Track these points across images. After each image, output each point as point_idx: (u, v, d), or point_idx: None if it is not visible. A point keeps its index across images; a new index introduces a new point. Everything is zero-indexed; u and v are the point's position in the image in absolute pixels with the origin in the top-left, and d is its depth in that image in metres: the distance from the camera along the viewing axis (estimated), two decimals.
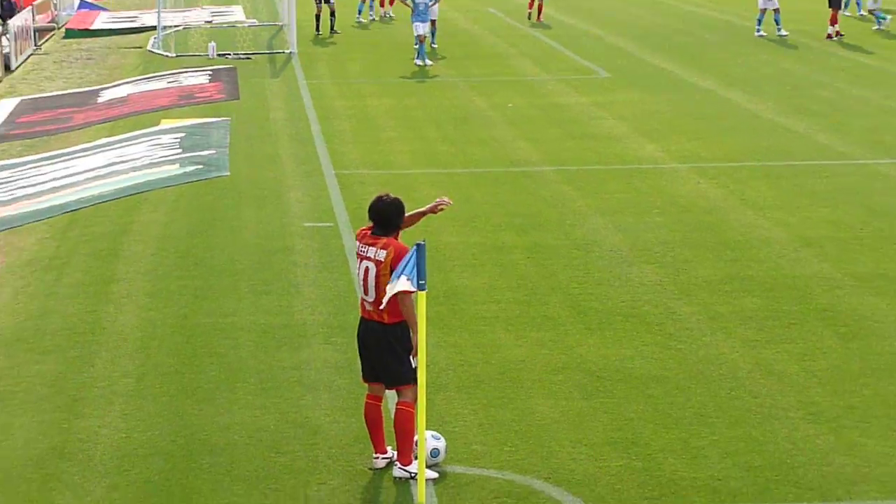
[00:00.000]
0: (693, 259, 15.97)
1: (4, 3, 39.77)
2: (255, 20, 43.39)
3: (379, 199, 10.27)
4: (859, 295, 14.59)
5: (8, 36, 34.63)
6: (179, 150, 22.85)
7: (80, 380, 12.32)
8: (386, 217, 10.16)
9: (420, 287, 9.47)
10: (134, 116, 26.80)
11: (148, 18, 42.12)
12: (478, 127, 24.92)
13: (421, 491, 9.53)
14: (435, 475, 10.02)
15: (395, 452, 10.28)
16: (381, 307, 9.85)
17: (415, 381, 9.96)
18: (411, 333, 9.99)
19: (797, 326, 13.56)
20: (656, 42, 37.33)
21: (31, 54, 37.68)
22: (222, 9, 46.75)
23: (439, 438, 10.25)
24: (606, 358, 12.70)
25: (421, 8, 32.56)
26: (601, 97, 28.10)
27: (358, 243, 10.25)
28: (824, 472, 10.18)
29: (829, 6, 37.88)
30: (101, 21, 44.66)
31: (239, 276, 15.51)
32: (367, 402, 10.31)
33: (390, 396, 10.46)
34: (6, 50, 34.18)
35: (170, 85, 31.00)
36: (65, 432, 11.10)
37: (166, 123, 25.58)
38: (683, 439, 10.82)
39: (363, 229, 10.29)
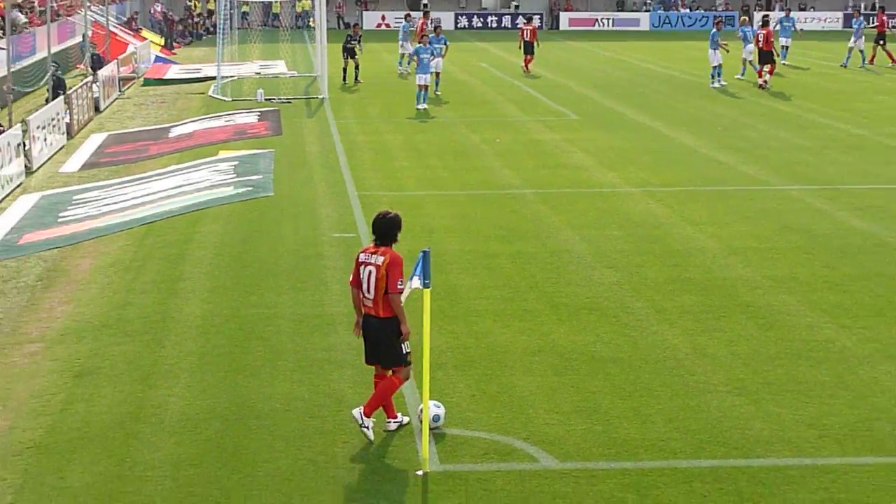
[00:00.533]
0: (643, 264, 15.98)
1: (94, 56, 39.94)
2: (294, 72, 43.50)
3: (381, 215, 10.20)
4: (775, 293, 14.62)
5: (98, 84, 34.72)
6: (234, 175, 22.88)
7: (152, 358, 12.37)
8: (385, 229, 10.07)
9: (426, 285, 9.48)
10: (198, 148, 26.84)
11: (209, 70, 42.19)
12: (472, 158, 24.93)
13: (425, 447, 9.56)
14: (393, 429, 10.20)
15: (405, 417, 10.31)
16: (402, 303, 9.86)
17: (407, 363, 10.09)
18: (401, 324, 9.95)
19: (725, 318, 13.60)
20: (616, 92, 37.47)
21: (116, 98, 37.78)
22: (268, 63, 46.82)
23: (440, 406, 10.25)
24: (574, 343, 12.72)
25: (424, 62, 32.72)
26: (571, 135, 28.14)
27: (361, 254, 10.12)
28: (746, 436, 10.23)
29: (760, 62, 38.03)
30: (172, 72, 44.92)
31: (280, 276, 15.53)
32: (375, 377, 10.38)
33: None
34: (96, 94, 34.28)
35: (226, 123, 31.03)
36: (140, 400, 11.16)
37: (223, 154, 25.63)
38: (635, 408, 10.86)
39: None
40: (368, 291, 9.96)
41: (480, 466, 9.59)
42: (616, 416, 10.64)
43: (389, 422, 10.32)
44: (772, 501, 8.99)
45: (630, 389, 11.33)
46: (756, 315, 13.72)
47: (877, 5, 63.07)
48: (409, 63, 43.09)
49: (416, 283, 9.53)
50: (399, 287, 9.84)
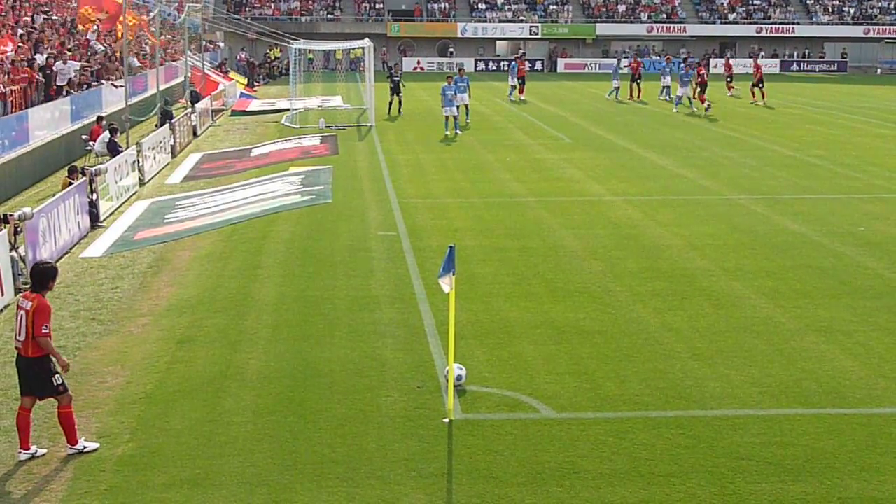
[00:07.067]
0: (622, 257, 15.90)
1: (193, 93, 40.09)
2: (349, 105, 43.56)
3: (38, 263, 8.82)
4: (726, 280, 14.52)
5: (195, 114, 34.88)
6: (301, 186, 22.87)
7: (237, 329, 12.37)
8: (38, 277, 8.65)
9: (453, 273, 9.35)
10: (273, 165, 26.86)
11: (282, 104, 42.37)
12: (487, 172, 24.84)
13: (450, 400, 9.53)
14: None
15: (39, 450, 8.66)
16: (50, 343, 8.43)
17: (64, 390, 8.59)
18: (58, 359, 8.51)
19: (687, 300, 13.52)
20: (601, 120, 37.35)
21: (209, 126, 37.89)
22: (328, 97, 46.94)
23: (462, 368, 10.19)
24: (567, 318, 12.65)
25: (448, 97, 32.51)
26: (565, 154, 28.03)
27: (20, 298, 8.70)
28: (703, 392, 10.15)
29: (701, 92, 39.21)
30: (253, 105, 44.98)
31: (337, 265, 15.50)
32: (19, 411, 8.66)
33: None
34: (194, 123, 34.44)
35: (295, 145, 31.05)
36: (227, 361, 11.16)
37: (293, 169, 25.61)
38: (615, 370, 10.79)
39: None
40: (19, 333, 8.47)
41: (494, 416, 9.54)
42: (601, 377, 10.58)
43: (21, 452, 8.60)
44: (722, 443, 8.90)
45: (611, 355, 11.26)
46: (711, 297, 13.64)
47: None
48: (510, 93, 46.19)
49: (449, 277, 9.22)
50: (44, 331, 8.38)
